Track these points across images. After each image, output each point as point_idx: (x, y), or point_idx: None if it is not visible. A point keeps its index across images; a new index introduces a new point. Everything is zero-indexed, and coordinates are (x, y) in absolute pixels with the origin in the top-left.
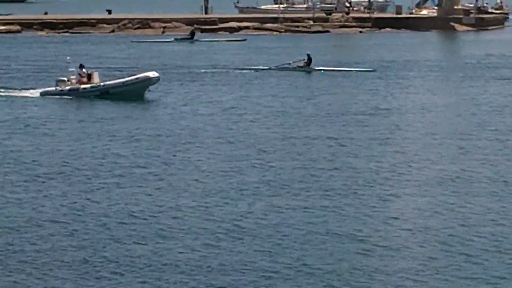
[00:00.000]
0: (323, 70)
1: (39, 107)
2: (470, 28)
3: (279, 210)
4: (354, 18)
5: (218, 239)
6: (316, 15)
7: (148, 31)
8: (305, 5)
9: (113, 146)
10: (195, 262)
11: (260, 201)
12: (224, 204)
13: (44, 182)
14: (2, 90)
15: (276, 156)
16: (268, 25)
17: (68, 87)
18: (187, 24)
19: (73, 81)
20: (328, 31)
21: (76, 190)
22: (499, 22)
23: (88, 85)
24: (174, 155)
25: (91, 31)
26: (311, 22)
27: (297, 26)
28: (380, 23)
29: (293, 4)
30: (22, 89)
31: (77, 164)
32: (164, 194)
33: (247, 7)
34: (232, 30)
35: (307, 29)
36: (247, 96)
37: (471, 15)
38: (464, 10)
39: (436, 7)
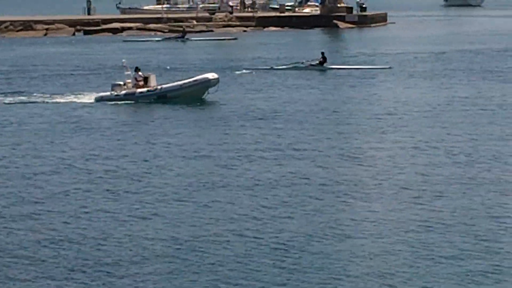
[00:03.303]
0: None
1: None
2: (352, 26)
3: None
4: (237, 17)
5: None
6: (200, 15)
7: (30, 33)
8: (187, 5)
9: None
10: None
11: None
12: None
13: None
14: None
15: None
16: (152, 25)
17: (124, 92)
18: (70, 26)
19: (129, 85)
20: (211, 31)
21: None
22: (382, 19)
23: (145, 89)
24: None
25: None
26: (195, 22)
27: (181, 26)
28: (263, 22)
29: (176, 4)
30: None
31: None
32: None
33: (129, 8)
34: (115, 31)
35: (190, 29)
36: None
37: (354, 13)
38: (347, 8)
39: (319, 5)
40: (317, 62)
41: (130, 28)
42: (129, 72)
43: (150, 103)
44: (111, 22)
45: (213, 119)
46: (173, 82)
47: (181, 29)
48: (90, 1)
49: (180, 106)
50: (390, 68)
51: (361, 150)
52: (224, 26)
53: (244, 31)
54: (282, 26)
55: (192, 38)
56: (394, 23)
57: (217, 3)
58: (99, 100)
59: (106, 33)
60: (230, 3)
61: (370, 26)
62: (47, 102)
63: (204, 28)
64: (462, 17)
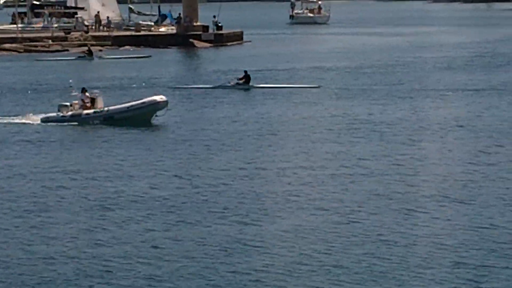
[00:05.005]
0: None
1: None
2: (209, 45)
3: None
4: (93, 36)
5: None
6: (55, 34)
7: None
8: (42, 25)
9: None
10: None
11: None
12: None
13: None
14: None
15: None
16: (7, 45)
17: (70, 113)
18: None
19: (76, 106)
20: (67, 50)
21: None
22: (238, 37)
23: (92, 111)
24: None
25: None
26: (50, 42)
27: (36, 46)
28: (120, 41)
29: (31, 23)
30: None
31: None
32: None
33: None
34: None
35: (46, 48)
36: None
37: (210, 31)
38: (203, 26)
39: (174, 24)
40: (242, 80)
41: None
42: (75, 93)
43: (97, 124)
44: None
45: (158, 141)
46: (120, 104)
47: (87, 48)
48: None
49: (126, 128)
50: (318, 87)
51: None
52: (80, 45)
53: (100, 50)
54: (138, 45)
55: (105, 56)
56: (250, 41)
57: (72, 23)
58: (45, 121)
59: None
60: (85, 23)
61: (227, 45)
62: None
63: (59, 48)
64: (310, 35)
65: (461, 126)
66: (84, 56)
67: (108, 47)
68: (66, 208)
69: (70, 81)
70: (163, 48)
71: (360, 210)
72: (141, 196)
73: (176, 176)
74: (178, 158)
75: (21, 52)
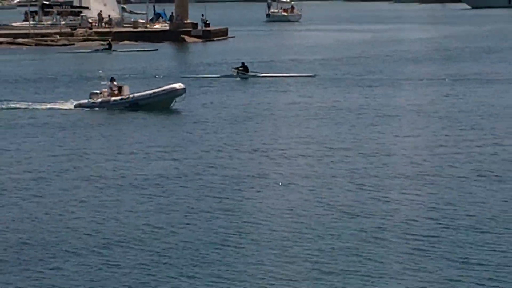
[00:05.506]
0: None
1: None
2: (198, 40)
3: None
4: (96, 32)
5: None
6: (63, 30)
7: None
8: (51, 22)
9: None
10: None
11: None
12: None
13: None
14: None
15: None
16: (20, 40)
17: (100, 100)
18: None
19: (105, 93)
20: (73, 44)
21: None
22: (223, 33)
23: (119, 97)
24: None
25: None
26: (58, 37)
27: (46, 40)
28: (120, 37)
29: (41, 21)
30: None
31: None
32: None
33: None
34: None
35: (54, 43)
36: None
37: (199, 28)
38: (192, 24)
39: (167, 22)
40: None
41: (1, 43)
42: (105, 82)
43: (123, 109)
44: None
45: (178, 123)
46: (144, 91)
47: (107, 42)
48: None
49: (148, 112)
50: (314, 76)
51: None
52: (85, 40)
53: (102, 44)
54: (136, 40)
55: (118, 50)
56: (234, 36)
57: (77, 20)
58: (77, 106)
59: None
60: (89, 20)
61: (214, 40)
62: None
63: (66, 42)
64: (284, 31)
65: (417, 111)
66: (103, 49)
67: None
68: (96, 181)
69: (100, 71)
70: (157, 42)
71: (326, 186)
72: (166, 169)
73: (194, 152)
74: (195, 138)
75: (32, 45)
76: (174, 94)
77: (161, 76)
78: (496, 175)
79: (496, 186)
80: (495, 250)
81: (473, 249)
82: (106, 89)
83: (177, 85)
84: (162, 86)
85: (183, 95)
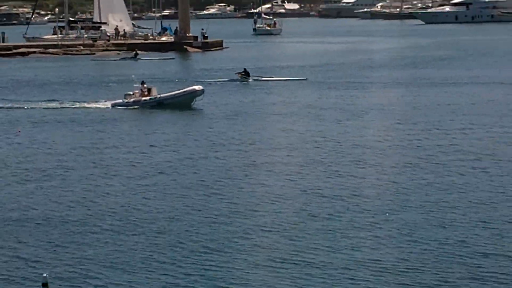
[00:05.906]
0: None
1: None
2: (198, 50)
3: None
4: (113, 43)
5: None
6: (85, 42)
7: None
8: (75, 35)
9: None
10: None
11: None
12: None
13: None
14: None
15: None
16: (50, 50)
17: (132, 99)
18: None
19: (137, 94)
20: (94, 53)
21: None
22: (219, 45)
23: (148, 98)
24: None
25: None
26: (82, 48)
27: (71, 50)
28: (133, 47)
29: (68, 34)
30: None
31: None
32: None
33: (33, 37)
34: (23, 54)
35: (78, 52)
36: None
37: (199, 40)
38: (193, 36)
39: (173, 35)
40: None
41: (34, 52)
42: (137, 85)
43: (151, 107)
44: (20, 48)
45: (197, 119)
46: (168, 92)
47: (134, 51)
48: (4, 32)
49: (173, 110)
50: (305, 79)
51: None
52: (104, 50)
53: (118, 53)
54: (147, 50)
55: (143, 58)
56: (228, 47)
57: (97, 34)
58: (114, 105)
59: (18, 56)
60: (108, 34)
61: (211, 50)
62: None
63: (88, 52)
64: (268, 43)
65: (381, 110)
66: (131, 57)
67: (124, 51)
68: (128, 170)
69: (133, 76)
70: (164, 52)
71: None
72: (189, 158)
73: (214, 144)
74: (214, 132)
75: (60, 54)
76: (194, 94)
77: (176, 80)
78: (441, 160)
79: (442, 169)
80: (444, 227)
81: (424, 228)
82: (137, 91)
83: (197, 87)
84: (184, 88)
85: (202, 95)
